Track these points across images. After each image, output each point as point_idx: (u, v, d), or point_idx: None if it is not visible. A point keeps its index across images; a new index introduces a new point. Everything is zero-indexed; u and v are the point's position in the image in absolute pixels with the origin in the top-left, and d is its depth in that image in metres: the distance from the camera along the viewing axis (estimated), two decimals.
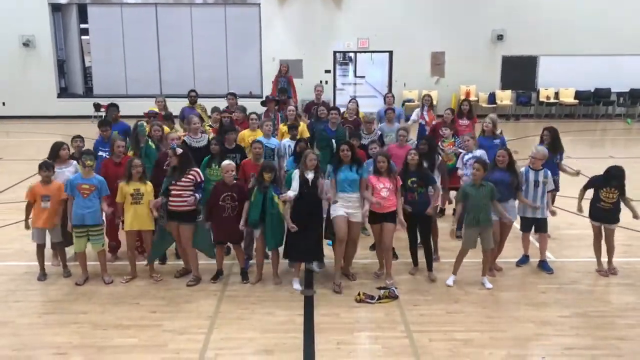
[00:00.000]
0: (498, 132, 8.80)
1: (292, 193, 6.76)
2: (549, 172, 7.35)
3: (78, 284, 7.03)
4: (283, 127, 9.02)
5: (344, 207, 6.82)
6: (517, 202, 7.30)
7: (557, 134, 8.20)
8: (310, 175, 6.78)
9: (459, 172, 8.02)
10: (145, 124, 8.24)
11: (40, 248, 7.17)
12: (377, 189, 6.81)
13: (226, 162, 7.00)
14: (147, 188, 6.97)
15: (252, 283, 7.05)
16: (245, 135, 8.46)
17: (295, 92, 14.07)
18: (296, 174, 6.85)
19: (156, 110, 10.05)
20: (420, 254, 7.29)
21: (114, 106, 9.40)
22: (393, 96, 10.66)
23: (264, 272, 7.16)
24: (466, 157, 8.00)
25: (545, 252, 7.52)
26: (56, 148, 7.44)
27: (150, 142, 7.97)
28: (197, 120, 8.43)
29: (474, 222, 6.86)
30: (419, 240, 7.28)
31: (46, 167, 6.98)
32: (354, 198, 6.84)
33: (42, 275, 7.18)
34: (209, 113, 10.34)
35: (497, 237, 7.20)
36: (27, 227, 7.12)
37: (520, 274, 7.36)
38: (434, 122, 10.14)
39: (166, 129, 8.55)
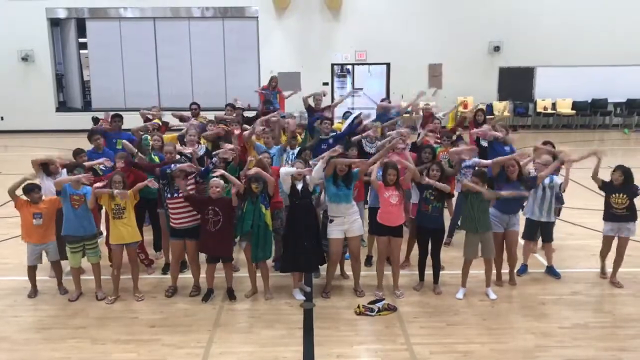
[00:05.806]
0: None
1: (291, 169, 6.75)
2: (554, 177, 7.37)
3: (71, 300, 6.97)
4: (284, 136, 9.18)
5: (340, 226, 6.77)
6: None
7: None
8: (299, 185, 6.71)
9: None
10: (149, 137, 8.31)
11: (32, 267, 7.10)
12: (385, 196, 6.71)
13: (215, 179, 6.72)
14: (128, 201, 6.81)
15: (247, 296, 6.99)
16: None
17: (284, 105, 14.14)
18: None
19: (158, 122, 10.09)
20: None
21: (118, 116, 9.39)
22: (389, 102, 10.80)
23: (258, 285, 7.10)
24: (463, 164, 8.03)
25: (551, 258, 7.54)
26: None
27: (153, 155, 8.03)
28: (193, 132, 8.47)
29: (474, 229, 6.84)
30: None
31: (38, 189, 6.91)
32: (350, 211, 6.79)
33: (34, 293, 7.12)
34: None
35: (511, 248, 7.19)
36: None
37: (519, 284, 7.33)
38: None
39: (166, 137, 8.63)
